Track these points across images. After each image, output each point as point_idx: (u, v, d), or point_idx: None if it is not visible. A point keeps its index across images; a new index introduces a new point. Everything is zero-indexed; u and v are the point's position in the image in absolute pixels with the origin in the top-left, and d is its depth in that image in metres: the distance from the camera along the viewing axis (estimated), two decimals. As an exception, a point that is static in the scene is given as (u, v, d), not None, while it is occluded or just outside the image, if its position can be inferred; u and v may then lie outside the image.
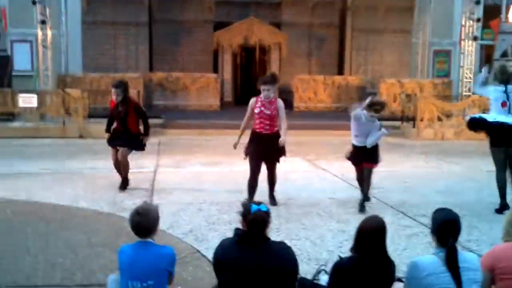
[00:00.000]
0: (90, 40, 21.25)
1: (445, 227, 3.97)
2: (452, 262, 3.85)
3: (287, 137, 8.14)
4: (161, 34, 22.17)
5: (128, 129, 8.95)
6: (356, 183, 9.94)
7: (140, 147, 9.16)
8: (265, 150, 7.98)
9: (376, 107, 7.84)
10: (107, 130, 9.17)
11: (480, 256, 4.44)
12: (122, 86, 8.84)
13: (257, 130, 8.00)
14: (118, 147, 9.01)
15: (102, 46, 21.42)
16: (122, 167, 9.05)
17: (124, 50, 21.51)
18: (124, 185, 9.00)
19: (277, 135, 8.00)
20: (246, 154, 8.05)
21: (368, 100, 7.81)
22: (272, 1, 23.00)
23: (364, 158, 8.12)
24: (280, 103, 8.11)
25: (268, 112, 7.90)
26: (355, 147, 8.22)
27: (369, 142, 8.02)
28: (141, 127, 9.10)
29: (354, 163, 8.38)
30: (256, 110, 7.93)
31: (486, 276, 4.19)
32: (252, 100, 7.97)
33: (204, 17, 22.18)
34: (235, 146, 8.04)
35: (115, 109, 8.96)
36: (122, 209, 7.76)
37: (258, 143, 7.95)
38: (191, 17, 22.12)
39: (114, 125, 9.08)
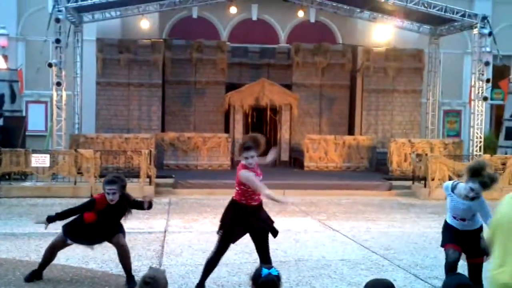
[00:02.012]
0: (104, 101, 21.60)
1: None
2: None
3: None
4: (174, 95, 22.50)
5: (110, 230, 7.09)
6: (367, 244, 9.87)
7: (122, 232, 7.20)
8: (256, 224, 6.66)
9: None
10: (59, 217, 6.94)
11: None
12: (118, 182, 6.87)
13: (244, 202, 6.60)
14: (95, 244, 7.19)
15: (115, 107, 21.72)
16: (124, 258, 7.12)
17: (137, 111, 21.79)
18: (132, 280, 7.05)
19: (262, 205, 6.75)
20: (225, 227, 6.70)
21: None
22: (283, 63, 23.37)
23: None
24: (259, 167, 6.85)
25: (260, 178, 6.61)
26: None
27: None
28: None
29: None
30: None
31: None
32: (246, 171, 6.48)
33: (216, 78, 22.51)
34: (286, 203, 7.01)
35: (105, 208, 6.86)
36: (132, 270, 7.70)
37: (246, 217, 6.60)
38: (203, 78, 22.47)
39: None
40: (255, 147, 6.49)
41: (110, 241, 7.13)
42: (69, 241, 7.06)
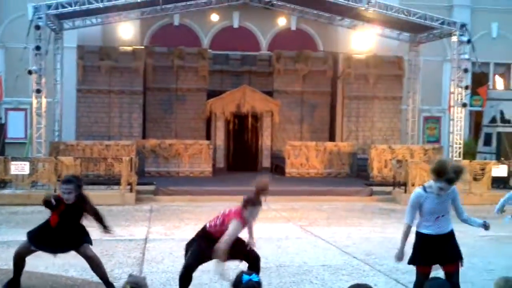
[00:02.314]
0: (85, 108, 21.48)
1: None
2: None
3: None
4: (155, 102, 22.44)
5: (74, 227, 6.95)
6: (349, 249, 9.90)
7: (88, 240, 6.99)
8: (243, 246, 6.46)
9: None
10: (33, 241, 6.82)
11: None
12: (74, 181, 6.78)
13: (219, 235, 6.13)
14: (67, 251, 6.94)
15: (96, 114, 21.60)
16: (97, 269, 6.99)
17: (118, 118, 21.69)
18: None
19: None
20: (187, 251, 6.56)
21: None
22: (265, 70, 23.45)
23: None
24: None
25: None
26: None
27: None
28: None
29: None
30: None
31: None
32: (238, 224, 6.11)
33: (198, 85, 22.50)
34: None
35: (65, 209, 6.73)
36: (112, 278, 7.63)
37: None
38: (184, 85, 22.45)
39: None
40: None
41: (78, 252, 6.93)
42: (32, 247, 6.87)
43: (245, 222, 6.19)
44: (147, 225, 12.05)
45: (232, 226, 6.03)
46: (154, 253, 9.39)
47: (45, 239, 6.81)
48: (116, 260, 8.60)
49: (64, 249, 6.94)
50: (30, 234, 6.94)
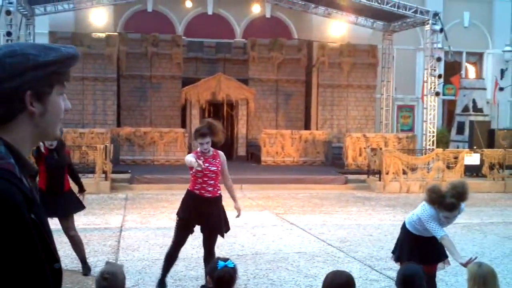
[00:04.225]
0: (57, 95, 21.20)
1: (404, 282, 4.02)
2: None
3: (239, 203, 6.90)
4: (129, 89, 22.25)
5: (63, 188, 7.23)
6: (323, 236, 10.00)
7: (82, 206, 7.44)
8: (206, 218, 6.49)
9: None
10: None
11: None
12: None
13: (197, 192, 6.49)
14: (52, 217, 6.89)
15: (70, 101, 21.13)
16: (78, 249, 7.30)
17: (91, 106, 21.46)
18: (88, 267, 7.38)
19: (220, 199, 6.61)
20: (179, 216, 6.65)
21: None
22: (239, 58, 23.40)
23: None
24: (223, 156, 6.76)
25: (214, 168, 6.49)
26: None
27: None
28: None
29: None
30: (199, 168, 6.38)
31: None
32: (190, 156, 6.40)
33: (172, 73, 22.36)
34: None
35: (47, 159, 7.02)
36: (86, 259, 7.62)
37: (198, 207, 6.48)
38: (159, 72, 22.29)
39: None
40: (210, 134, 6.45)
41: (63, 224, 7.17)
42: None
43: (204, 154, 6.48)
44: (122, 214, 11.99)
45: (185, 161, 6.49)
46: (129, 241, 9.36)
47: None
48: (91, 248, 8.55)
49: (58, 213, 7.05)
50: None
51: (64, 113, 1.67)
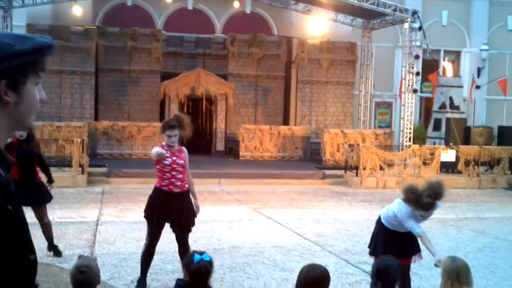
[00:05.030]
0: (34, 89, 21.00)
1: (377, 274, 4.07)
2: None
3: (198, 200, 6.78)
4: (108, 83, 22.10)
5: (35, 178, 7.50)
6: (300, 231, 10.06)
7: (50, 197, 7.71)
8: (176, 215, 6.42)
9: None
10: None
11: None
12: None
13: (165, 188, 6.38)
14: (27, 206, 7.21)
15: (47, 95, 20.97)
16: (47, 231, 7.65)
17: (69, 99, 21.27)
18: (57, 250, 7.78)
19: (188, 194, 6.54)
20: (147, 216, 6.57)
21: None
22: (219, 53, 23.37)
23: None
24: (186, 151, 6.68)
25: (181, 161, 6.42)
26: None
27: None
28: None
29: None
30: (167, 161, 6.33)
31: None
32: (157, 149, 6.41)
33: (151, 67, 22.26)
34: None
35: (17, 149, 7.17)
36: (62, 259, 7.58)
37: (166, 204, 6.37)
38: (138, 67, 22.18)
39: None
40: (179, 127, 6.41)
41: (36, 211, 7.45)
42: None
43: (170, 148, 6.43)
44: (99, 207, 11.92)
45: (152, 154, 6.46)
46: (106, 235, 9.31)
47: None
48: (67, 242, 8.49)
49: (30, 202, 7.29)
50: None
51: (40, 104, 1.67)
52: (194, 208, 6.61)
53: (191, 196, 6.62)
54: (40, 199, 7.49)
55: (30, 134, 7.42)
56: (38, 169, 7.63)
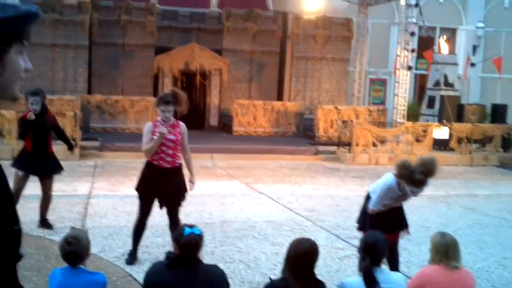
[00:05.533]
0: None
1: (366, 248, 4.10)
2: (368, 283, 3.96)
3: (195, 177, 6.71)
4: (101, 57, 21.94)
5: (47, 150, 7.71)
6: (292, 206, 10.11)
7: (61, 168, 7.95)
8: (164, 190, 6.40)
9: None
10: (23, 136, 7.63)
11: (409, 278, 4.58)
12: (41, 93, 7.68)
13: (155, 163, 6.38)
14: (36, 176, 7.68)
15: (39, 68, 20.94)
16: (46, 204, 7.84)
17: (62, 73, 21.11)
18: (48, 223, 7.86)
19: (179, 170, 6.52)
20: (138, 190, 6.61)
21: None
22: (214, 28, 23.20)
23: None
24: (184, 127, 6.63)
25: (172, 137, 6.36)
26: None
27: None
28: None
29: None
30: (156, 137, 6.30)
31: (414, 297, 4.33)
32: (149, 125, 6.48)
33: (146, 41, 22.09)
34: None
35: (32, 122, 7.46)
36: (53, 232, 7.61)
37: (156, 179, 6.38)
38: (132, 41, 22.00)
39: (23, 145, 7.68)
40: (174, 103, 6.37)
41: (43, 180, 7.69)
42: (19, 172, 7.53)
43: (164, 123, 6.41)
44: (91, 181, 11.93)
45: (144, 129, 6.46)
46: (97, 208, 9.34)
47: (26, 163, 7.53)
48: (58, 214, 8.51)
49: (43, 172, 7.65)
50: (13, 163, 7.66)
51: (24, 73, 1.64)
52: (188, 184, 6.58)
53: (189, 172, 6.59)
54: (51, 170, 7.76)
55: (44, 108, 7.64)
56: (51, 141, 7.85)
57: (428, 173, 5.38)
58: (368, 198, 5.98)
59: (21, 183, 7.55)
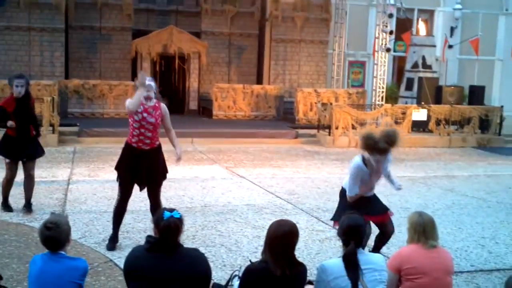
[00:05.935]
0: (3, 46, 20.49)
1: (349, 232, 4.11)
2: (350, 265, 3.98)
3: (181, 149, 6.74)
4: (78, 41, 21.67)
5: (29, 134, 7.74)
6: (272, 189, 10.14)
7: (43, 152, 8.08)
8: (144, 172, 6.42)
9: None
10: (3, 125, 7.59)
11: (388, 258, 4.62)
12: (25, 77, 7.70)
13: (134, 145, 6.37)
14: (21, 160, 7.79)
15: (15, 52, 20.66)
16: (30, 187, 7.92)
17: (39, 57, 20.82)
18: (30, 207, 7.92)
19: (158, 150, 6.52)
20: (117, 169, 6.58)
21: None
22: (192, 10, 23.01)
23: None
24: (165, 108, 6.60)
25: (152, 120, 6.34)
26: None
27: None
28: None
29: None
30: (137, 117, 6.29)
31: (393, 277, 4.37)
32: (130, 99, 6.43)
33: (123, 24, 21.85)
34: None
35: (16, 106, 7.53)
36: (32, 219, 7.54)
37: (135, 161, 6.38)
38: (109, 24, 21.75)
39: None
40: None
41: (26, 165, 7.80)
42: (6, 160, 7.71)
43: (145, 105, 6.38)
44: (70, 167, 11.83)
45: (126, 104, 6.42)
46: (77, 194, 9.27)
47: (11, 149, 7.63)
48: (37, 201, 8.41)
49: (26, 156, 7.75)
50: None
51: None
52: (175, 160, 6.60)
53: (175, 147, 6.62)
54: (34, 153, 7.87)
55: (27, 92, 7.70)
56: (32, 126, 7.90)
57: (391, 142, 5.61)
58: (343, 193, 6.05)
59: (13, 168, 7.78)
